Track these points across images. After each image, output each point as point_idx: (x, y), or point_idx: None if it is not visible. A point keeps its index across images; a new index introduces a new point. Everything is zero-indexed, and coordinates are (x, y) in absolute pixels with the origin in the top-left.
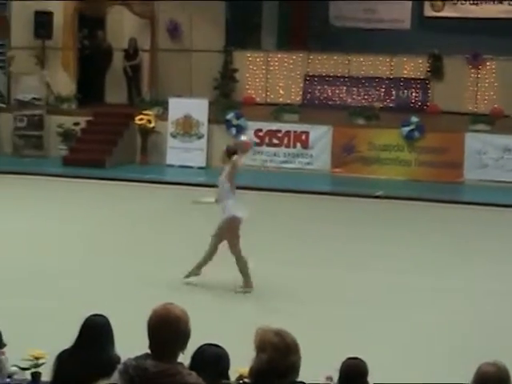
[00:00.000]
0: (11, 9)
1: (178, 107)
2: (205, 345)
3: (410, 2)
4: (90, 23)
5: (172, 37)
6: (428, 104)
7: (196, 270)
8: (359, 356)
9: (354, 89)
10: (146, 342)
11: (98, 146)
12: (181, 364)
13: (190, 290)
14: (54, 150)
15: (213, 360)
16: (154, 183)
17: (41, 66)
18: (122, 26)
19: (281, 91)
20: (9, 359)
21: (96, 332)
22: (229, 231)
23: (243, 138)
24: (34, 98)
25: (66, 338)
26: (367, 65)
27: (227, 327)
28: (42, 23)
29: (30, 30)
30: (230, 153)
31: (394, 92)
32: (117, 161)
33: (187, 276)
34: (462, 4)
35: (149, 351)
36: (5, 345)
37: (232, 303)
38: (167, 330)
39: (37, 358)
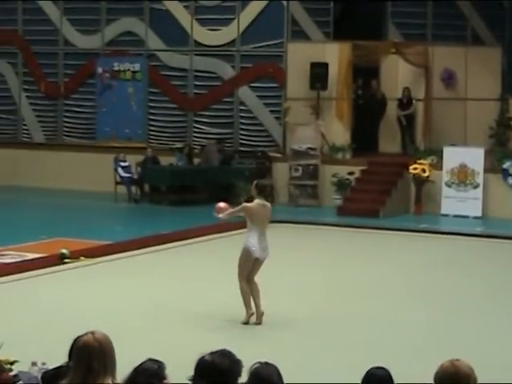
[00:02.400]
0: (288, 60)
1: (452, 156)
2: None
3: None
4: (364, 73)
5: (446, 85)
6: None
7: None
8: None
9: None
10: None
11: (371, 196)
12: None
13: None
14: (328, 200)
15: None
16: (429, 233)
17: (316, 116)
18: (396, 76)
19: None
20: None
21: None
22: (240, 259)
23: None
24: (310, 148)
25: None
26: None
27: None
28: (318, 75)
29: (305, 81)
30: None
31: None
32: (391, 211)
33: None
34: None
35: None
36: None
37: None
38: None
39: None
